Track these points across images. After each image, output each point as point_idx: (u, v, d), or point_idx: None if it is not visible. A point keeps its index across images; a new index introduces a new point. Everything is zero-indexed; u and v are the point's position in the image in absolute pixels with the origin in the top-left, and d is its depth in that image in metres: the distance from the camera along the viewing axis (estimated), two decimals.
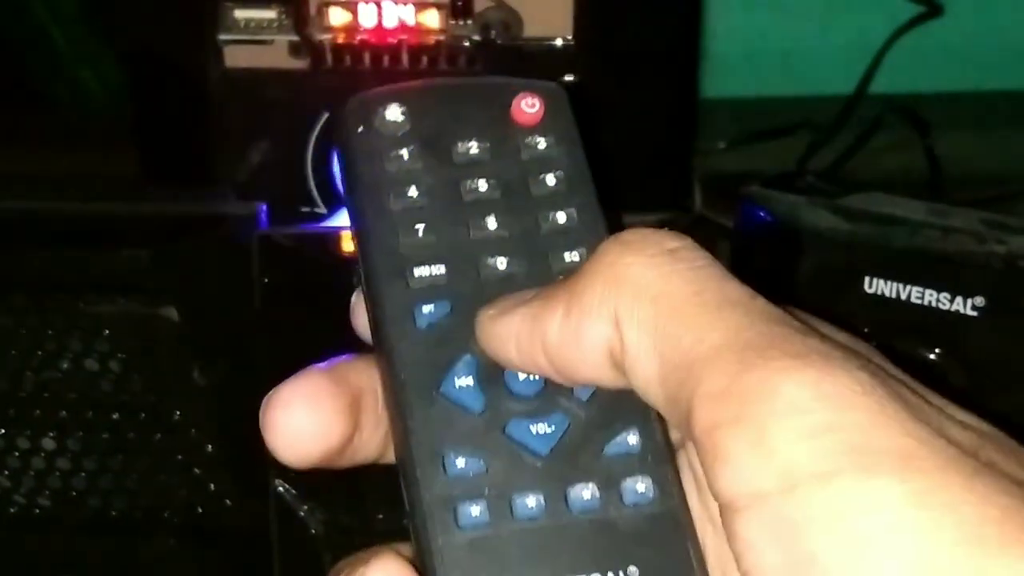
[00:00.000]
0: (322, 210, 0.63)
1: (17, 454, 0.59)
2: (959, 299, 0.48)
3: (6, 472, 0.59)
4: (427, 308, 0.29)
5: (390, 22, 0.62)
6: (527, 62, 0.63)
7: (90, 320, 0.57)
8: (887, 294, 0.50)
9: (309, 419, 0.30)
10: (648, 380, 0.26)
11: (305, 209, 0.63)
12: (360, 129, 0.31)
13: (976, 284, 0.48)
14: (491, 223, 0.31)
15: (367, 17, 0.62)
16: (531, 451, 0.28)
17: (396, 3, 0.62)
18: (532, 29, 0.63)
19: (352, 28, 0.62)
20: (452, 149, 0.31)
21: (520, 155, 0.32)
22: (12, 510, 0.60)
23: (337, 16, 0.62)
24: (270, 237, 0.55)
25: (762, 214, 0.54)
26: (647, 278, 0.27)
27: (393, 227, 0.30)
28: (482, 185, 0.31)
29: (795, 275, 0.52)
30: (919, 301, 0.49)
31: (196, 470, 0.58)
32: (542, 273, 0.30)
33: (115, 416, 0.58)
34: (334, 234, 0.57)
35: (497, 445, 0.28)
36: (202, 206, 0.59)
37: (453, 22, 0.62)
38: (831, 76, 0.87)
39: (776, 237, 0.53)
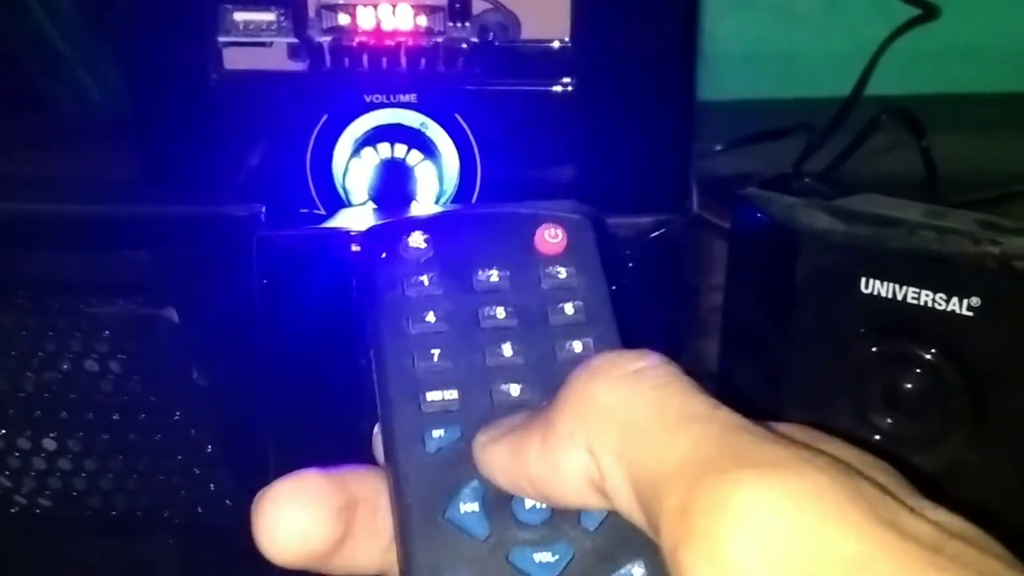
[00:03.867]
0: (321, 212, 0.63)
1: (18, 454, 0.59)
2: (955, 300, 0.48)
3: (7, 472, 0.59)
4: (437, 433, 0.30)
5: (388, 24, 0.62)
6: (525, 64, 0.63)
7: (90, 321, 0.57)
8: (883, 295, 0.50)
9: (295, 519, 0.30)
10: (628, 504, 0.27)
11: (304, 211, 0.63)
12: (383, 255, 0.32)
13: (971, 285, 0.48)
14: (507, 350, 0.31)
15: (366, 19, 0.62)
16: None
17: (394, 5, 0.62)
18: (530, 31, 0.63)
19: (351, 30, 0.62)
20: (473, 276, 0.32)
21: (541, 284, 0.32)
22: (13, 510, 0.60)
23: (336, 18, 0.62)
24: (269, 238, 0.56)
25: (759, 215, 0.54)
26: (612, 403, 0.27)
27: (409, 351, 0.31)
28: (500, 312, 0.31)
29: (792, 276, 0.52)
30: (915, 302, 0.49)
31: (196, 470, 0.59)
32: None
33: (115, 416, 0.58)
34: (333, 235, 0.57)
35: (500, 573, 0.28)
36: (201, 207, 0.59)
37: (451, 24, 0.62)
38: (827, 78, 0.87)
39: (773, 238, 0.53)
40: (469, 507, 0.29)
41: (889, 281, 0.50)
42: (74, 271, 0.57)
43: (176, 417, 0.58)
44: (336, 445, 0.55)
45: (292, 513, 0.30)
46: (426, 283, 0.32)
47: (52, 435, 0.59)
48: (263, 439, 0.56)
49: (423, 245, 0.32)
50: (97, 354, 0.57)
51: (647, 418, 0.27)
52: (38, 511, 0.60)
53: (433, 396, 0.30)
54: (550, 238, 0.33)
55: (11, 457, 0.59)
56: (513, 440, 0.29)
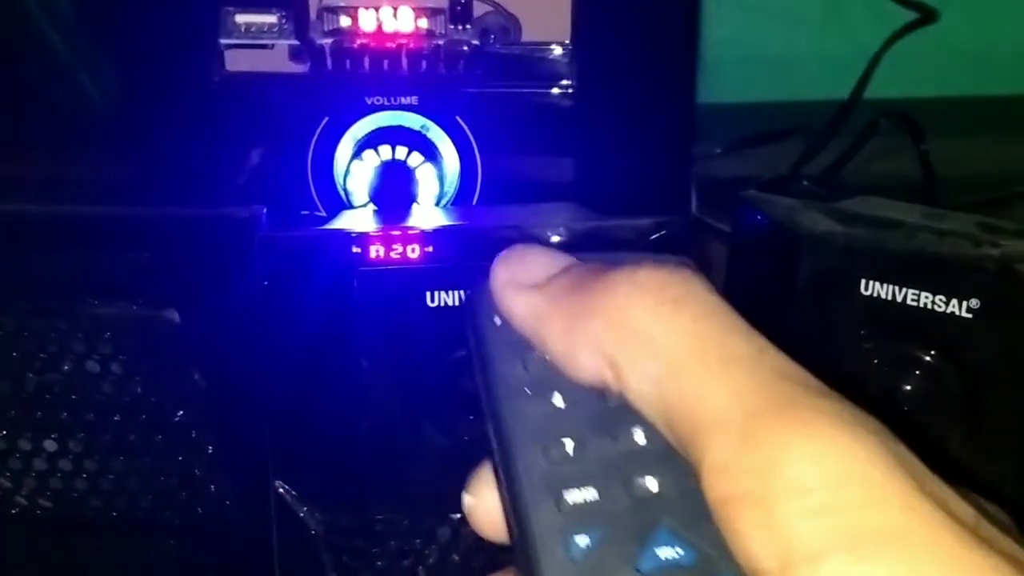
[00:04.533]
0: (322, 213, 0.63)
1: (19, 455, 0.59)
2: (954, 301, 0.49)
3: (8, 473, 0.59)
4: (581, 539, 0.27)
5: (390, 27, 0.62)
6: (525, 67, 0.63)
7: (91, 322, 0.57)
8: (883, 297, 0.50)
9: None
10: (653, 418, 0.27)
11: (305, 212, 0.63)
12: (497, 322, 0.30)
13: (971, 287, 0.48)
14: (639, 437, 0.28)
15: (367, 22, 0.62)
16: None
17: (396, 8, 0.62)
18: (530, 34, 0.63)
19: (352, 33, 0.62)
20: None
21: None
22: (14, 511, 0.60)
23: (337, 21, 0.62)
24: (271, 240, 0.56)
25: (759, 218, 0.54)
26: (648, 328, 0.27)
27: (538, 439, 0.28)
28: None
29: (792, 278, 0.53)
30: (915, 303, 0.49)
31: (196, 471, 0.59)
32: (693, 491, 0.27)
33: (116, 418, 0.58)
34: (334, 237, 0.57)
35: None
36: (203, 209, 0.59)
37: (452, 27, 0.62)
38: (826, 82, 0.87)
39: (773, 241, 0.54)
40: None
41: (889, 283, 0.50)
42: (75, 272, 0.57)
43: (177, 418, 0.58)
44: (336, 447, 0.55)
45: None
46: (543, 360, 0.29)
47: (53, 436, 0.59)
48: (264, 441, 0.56)
49: None
50: (98, 355, 0.57)
51: (686, 354, 0.26)
52: (39, 512, 0.60)
53: (572, 495, 0.27)
54: None
55: (12, 458, 0.59)
56: (537, 307, 0.29)
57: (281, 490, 0.56)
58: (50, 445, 0.59)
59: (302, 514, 0.56)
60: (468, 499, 0.31)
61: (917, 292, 0.49)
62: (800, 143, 0.83)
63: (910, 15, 0.87)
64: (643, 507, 0.27)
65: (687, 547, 0.27)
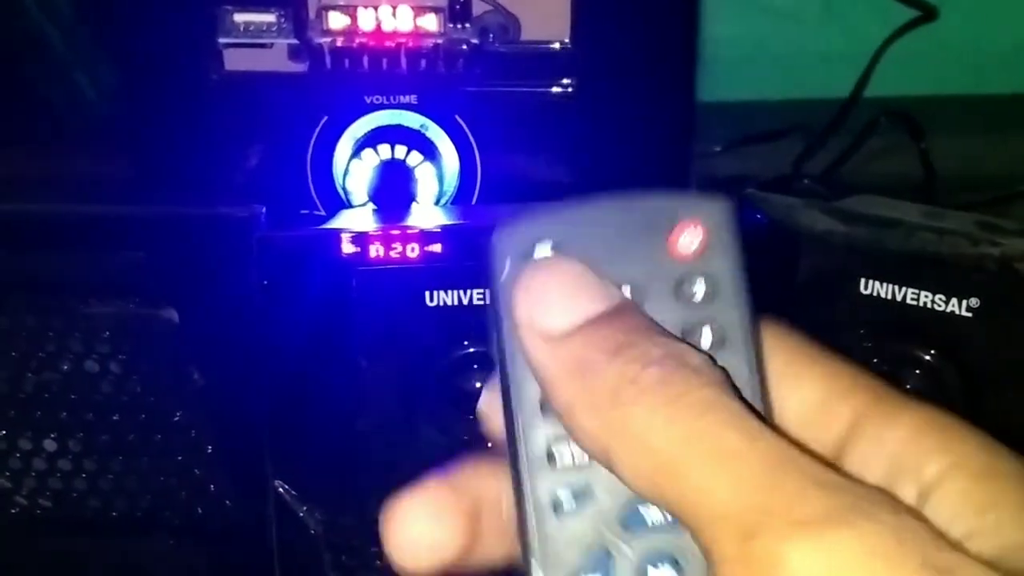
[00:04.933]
0: (321, 213, 0.63)
1: (18, 455, 0.59)
2: (954, 300, 0.49)
3: (7, 473, 0.59)
4: (567, 495, 0.27)
5: (389, 26, 0.62)
6: (525, 66, 0.63)
7: (90, 322, 0.57)
8: (883, 296, 0.50)
9: (427, 532, 0.29)
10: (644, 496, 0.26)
11: (304, 212, 0.63)
12: (506, 275, 0.28)
13: (970, 286, 0.48)
14: None
15: (366, 21, 0.62)
16: None
17: (395, 7, 0.62)
18: (530, 33, 0.63)
19: (351, 32, 0.62)
20: None
21: (675, 302, 0.29)
22: (13, 511, 0.60)
23: (336, 20, 0.62)
24: (270, 240, 0.56)
25: (758, 217, 0.54)
26: (645, 429, 0.26)
27: (538, 392, 0.28)
28: None
29: (791, 277, 0.53)
30: (914, 303, 0.49)
31: (196, 471, 0.59)
32: None
33: (115, 417, 0.58)
34: (333, 237, 0.57)
35: None
36: (202, 208, 0.59)
37: (451, 26, 0.62)
38: (826, 80, 0.87)
39: (772, 240, 0.54)
40: None
41: (888, 282, 0.50)
42: (74, 271, 0.57)
43: (176, 418, 0.58)
44: (335, 446, 0.55)
45: (420, 529, 0.29)
46: None
47: (52, 436, 0.59)
48: (263, 440, 0.56)
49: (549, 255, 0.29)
50: (97, 355, 0.57)
51: (682, 454, 0.25)
52: (38, 512, 0.60)
53: (564, 450, 0.28)
54: (687, 245, 0.29)
55: (12, 458, 0.59)
56: (548, 367, 0.27)
57: (280, 489, 0.56)
58: (49, 445, 0.59)
59: (301, 513, 0.56)
60: (483, 403, 0.31)
61: (917, 291, 0.49)
62: (800, 142, 0.83)
63: (910, 13, 0.87)
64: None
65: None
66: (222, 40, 0.63)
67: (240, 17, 0.62)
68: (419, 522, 0.29)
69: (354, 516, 0.56)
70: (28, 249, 0.58)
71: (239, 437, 0.58)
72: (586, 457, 0.27)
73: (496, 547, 0.30)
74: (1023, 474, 0.27)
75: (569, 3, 0.62)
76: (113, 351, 0.57)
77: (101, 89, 0.74)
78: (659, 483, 0.25)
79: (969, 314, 0.48)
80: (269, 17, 0.62)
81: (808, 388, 0.30)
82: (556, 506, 0.27)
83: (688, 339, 0.28)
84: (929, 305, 0.49)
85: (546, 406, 0.28)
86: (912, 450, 0.28)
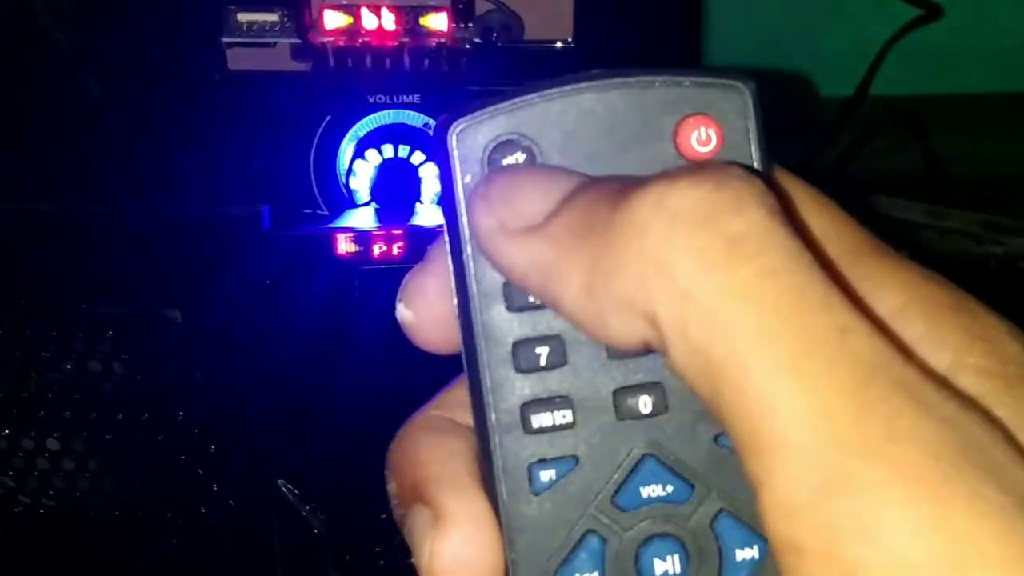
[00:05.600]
0: (324, 212, 0.63)
1: (21, 454, 0.59)
2: None
3: (11, 472, 0.59)
4: (546, 472, 0.23)
5: (391, 25, 0.62)
6: (528, 65, 0.63)
7: (93, 321, 0.57)
8: None
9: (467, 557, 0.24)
10: (703, 399, 0.21)
11: (307, 211, 0.63)
12: (467, 176, 0.23)
13: (974, 285, 0.48)
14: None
15: (369, 20, 0.62)
16: None
17: (398, 6, 0.62)
18: (533, 32, 0.63)
19: (354, 31, 0.62)
20: None
21: None
22: (17, 510, 0.60)
23: (339, 19, 0.62)
24: (273, 239, 0.56)
25: None
26: (700, 287, 0.20)
27: (508, 340, 0.24)
28: None
29: None
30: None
31: (199, 470, 0.59)
32: (691, 406, 0.23)
33: (118, 417, 0.58)
34: (336, 236, 0.57)
35: None
36: (205, 208, 0.59)
37: (454, 25, 0.62)
38: (830, 79, 0.87)
39: None
40: (585, 575, 0.23)
41: None
42: (76, 271, 0.57)
43: (179, 417, 0.58)
44: (339, 445, 0.55)
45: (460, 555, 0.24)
46: None
47: (55, 435, 0.59)
48: (266, 439, 0.56)
49: (521, 161, 0.23)
50: (100, 354, 0.57)
51: (750, 329, 0.20)
52: (42, 511, 0.60)
53: (541, 417, 0.23)
54: (699, 145, 0.23)
55: (15, 457, 0.59)
56: (541, 255, 0.22)
57: (283, 489, 0.56)
58: (52, 444, 0.59)
59: (304, 513, 0.56)
60: (404, 311, 0.26)
61: None
62: (804, 140, 0.83)
63: (915, 12, 0.86)
64: (627, 431, 0.23)
65: (677, 480, 0.23)
66: (226, 39, 0.63)
67: (244, 17, 0.63)
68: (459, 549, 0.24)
69: (356, 515, 0.56)
70: (30, 249, 0.58)
71: (242, 436, 0.58)
72: (569, 416, 0.23)
73: None
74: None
75: (572, 2, 0.62)
76: (116, 350, 0.57)
77: (105, 88, 0.74)
78: (718, 371, 0.20)
79: None
80: (272, 17, 0.62)
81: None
82: (533, 481, 0.23)
83: None
84: None
85: (520, 353, 0.23)
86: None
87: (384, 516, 0.56)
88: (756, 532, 0.23)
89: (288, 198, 0.62)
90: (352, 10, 0.62)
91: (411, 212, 0.61)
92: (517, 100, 0.24)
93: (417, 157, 0.63)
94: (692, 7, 0.65)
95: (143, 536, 0.60)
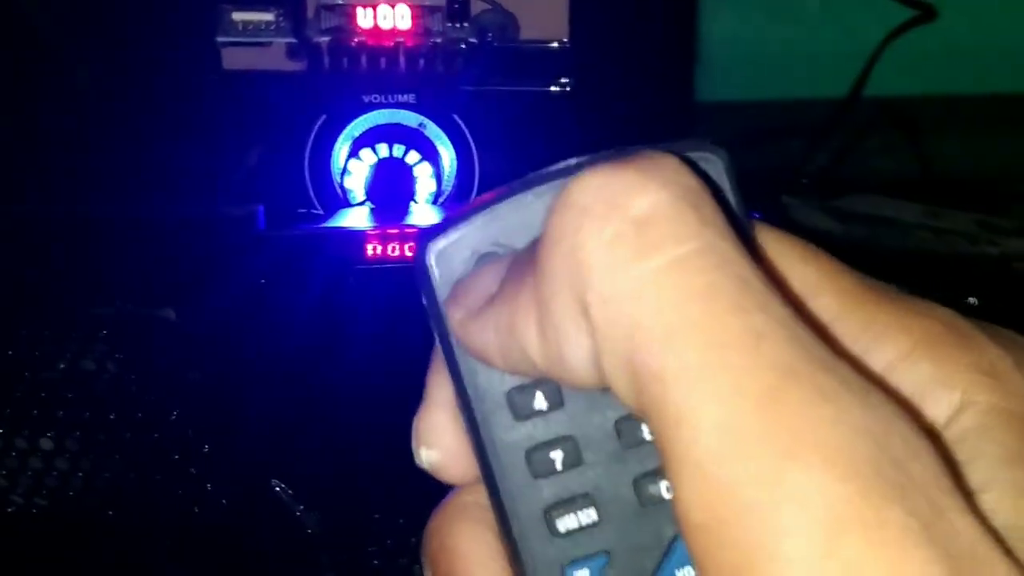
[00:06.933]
0: (319, 212, 0.63)
1: (14, 454, 0.59)
2: (952, 300, 0.48)
3: (3, 472, 0.59)
4: (581, 572, 0.23)
5: (387, 24, 0.62)
6: (523, 65, 0.63)
7: (87, 320, 0.57)
8: None
9: None
10: (630, 409, 0.20)
11: (303, 211, 0.63)
12: (447, 295, 0.24)
13: (969, 285, 0.48)
14: (645, 430, 0.23)
15: (364, 20, 0.62)
16: None
17: (393, 6, 0.62)
18: (528, 32, 0.63)
19: (349, 31, 0.62)
20: None
21: None
22: (9, 510, 0.60)
23: (334, 19, 0.62)
24: (268, 239, 0.56)
25: (756, 216, 0.54)
26: (614, 283, 0.19)
27: (520, 451, 0.23)
28: None
29: None
30: None
31: (192, 470, 0.59)
32: None
33: (112, 416, 0.58)
34: (331, 236, 0.57)
35: None
36: (200, 207, 0.59)
37: (450, 25, 0.62)
38: (825, 79, 0.87)
39: None
40: None
41: (886, 281, 0.50)
42: (71, 270, 0.57)
43: (173, 417, 0.58)
44: (333, 445, 0.55)
45: None
46: None
47: (49, 435, 0.58)
48: (260, 440, 0.56)
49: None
50: (94, 354, 0.57)
51: (659, 326, 0.19)
52: (34, 511, 0.60)
53: (567, 521, 0.23)
54: None
55: (8, 456, 0.59)
56: (504, 319, 0.22)
57: (277, 489, 0.56)
58: (46, 444, 0.59)
59: (298, 513, 0.56)
60: (427, 454, 0.25)
61: (915, 291, 0.49)
62: (799, 141, 0.83)
63: (909, 12, 0.87)
64: (654, 517, 0.23)
65: None
66: (220, 39, 0.63)
67: (239, 16, 0.62)
68: None
69: (351, 515, 0.56)
70: (26, 249, 0.58)
71: (236, 436, 0.58)
72: (593, 514, 0.23)
73: None
74: None
75: (567, 2, 0.62)
76: (110, 350, 0.57)
77: (99, 88, 0.74)
78: (632, 362, 0.19)
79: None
80: (267, 16, 0.62)
81: None
82: (549, 524, 0.23)
83: None
84: None
85: (534, 460, 0.23)
86: (904, 381, 0.22)
87: (378, 516, 0.56)
88: None
89: (283, 198, 0.62)
90: (347, 10, 0.62)
91: (406, 212, 0.61)
92: (487, 210, 0.24)
93: (412, 157, 0.63)
94: (687, 7, 0.65)
95: (137, 536, 0.60)
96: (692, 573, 0.23)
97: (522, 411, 0.23)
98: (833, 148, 0.82)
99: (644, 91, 0.63)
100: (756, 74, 0.94)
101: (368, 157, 0.63)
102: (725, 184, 0.24)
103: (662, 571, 0.23)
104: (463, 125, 0.62)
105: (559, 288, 0.20)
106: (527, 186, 0.23)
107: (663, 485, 0.23)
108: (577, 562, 0.23)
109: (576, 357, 0.21)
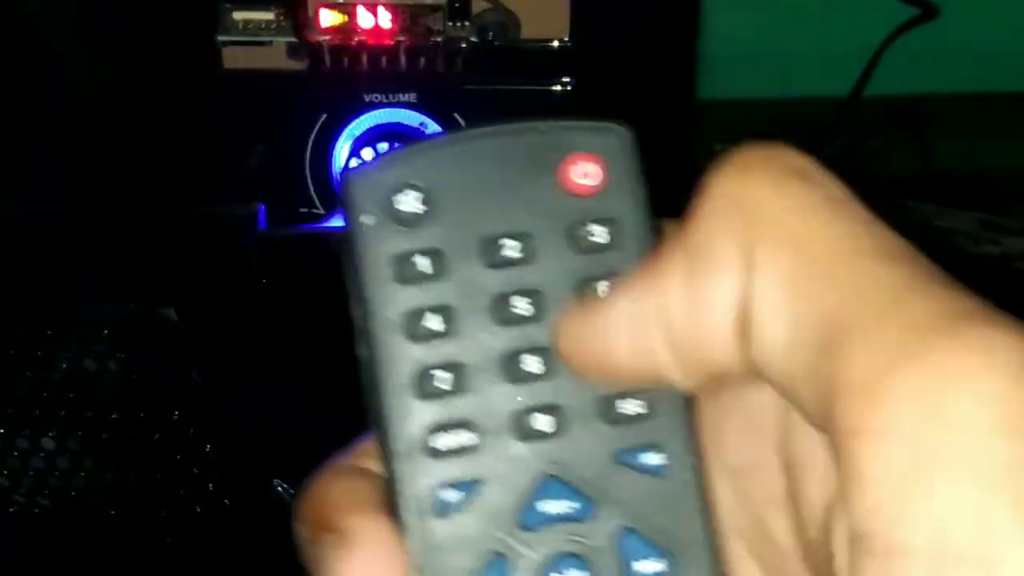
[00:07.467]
0: (320, 211, 0.63)
1: (16, 454, 0.59)
2: None
3: (5, 472, 0.59)
4: (449, 493, 0.24)
5: (387, 24, 0.62)
6: (524, 64, 0.63)
7: (89, 320, 0.57)
8: None
9: None
10: (774, 351, 0.20)
11: (303, 210, 0.63)
12: (366, 221, 0.24)
13: (971, 285, 0.48)
14: (532, 364, 0.24)
15: (364, 19, 0.62)
16: None
17: (394, 5, 0.62)
18: (529, 31, 0.63)
19: (350, 30, 0.62)
20: (483, 248, 0.24)
21: (570, 249, 0.24)
22: (12, 509, 0.60)
23: (335, 18, 0.62)
24: (269, 237, 0.56)
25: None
26: (781, 213, 0.20)
27: (410, 368, 0.24)
28: (520, 305, 0.24)
29: None
30: None
31: (194, 470, 0.59)
32: (594, 426, 0.24)
33: (114, 416, 0.58)
34: (332, 235, 0.57)
35: None
36: (201, 206, 0.59)
37: (451, 24, 0.62)
38: (827, 78, 0.87)
39: None
40: None
41: None
42: (72, 270, 0.57)
43: (174, 416, 0.58)
44: (336, 445, 0.55)
45: None
46: (419, 266, 0.24)
47: (51, 434, 0.59)
48: (262, 439, 0.56)
49: (417, 208, 0.24)
50: (95, 353, 0.57)
51: (829, 241, 0.20)
52: (37, 511, 0.60)
53: (442, 439, 0.24)
54: (581, 179, 0.25)
55: (10, 457, 0.59)
56: (638, 289, 0.22)
57: (279, 488, 0.56)
58: (48, 444, 0.59)
59: None
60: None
61: None
62: (801, 140, 0.83)
63: (911, 11, 0.86)
64: (529, 453, 0.24)
65: (579, 498, 0.24)
66: (221, 38, 0.62)
67: (239, 15, 0.62)
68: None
69: None
70: (27, 248, 0.58)
71: (237, 436, 0.58)
72: (471, 439, 0.24)
73: None
74: None
75: (568, 1, 0.62)
76: (112, 349, 0.57)
77: (101, 87, 0.74)
78: (797, 283, 0.20)
79: None
80: (268, 15, 0.62)
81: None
82: (438, 504, 0.23)
83: (584, 292, 0.24)
84: None
85: (422, 381, 0.24)
86: None
87: None
88: (659, 546, 0.24)
89: (284, 197, 0.62)
90: (348, 8, 0.62)
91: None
92: (412, 150, 0.25)
93: None
94: (689, 6, 0.65)
95: (138, 535, 0.60)
96: (560, 509, 0.23)
97: (418, 333, 0.24)
98: (835, 147, 0.81)
99: (645, 90, 0.63)
100: (758, 73, 0.94)
101: (369, 156, 0.63)
102: (632, 155, 0.26)
103: (531, 506, 0.24)
104: (464, 125, 0.62)
105: (719, 229, 0.21)
106: (465, 135, 0.25)
107: (543, 420, 0.24)
108: (449, 486, 0.24)
109: (720, 295, 0.21)
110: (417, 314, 0.24)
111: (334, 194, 0.63)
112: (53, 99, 0.76)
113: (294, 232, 0.58)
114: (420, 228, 0.24)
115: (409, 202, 0.24)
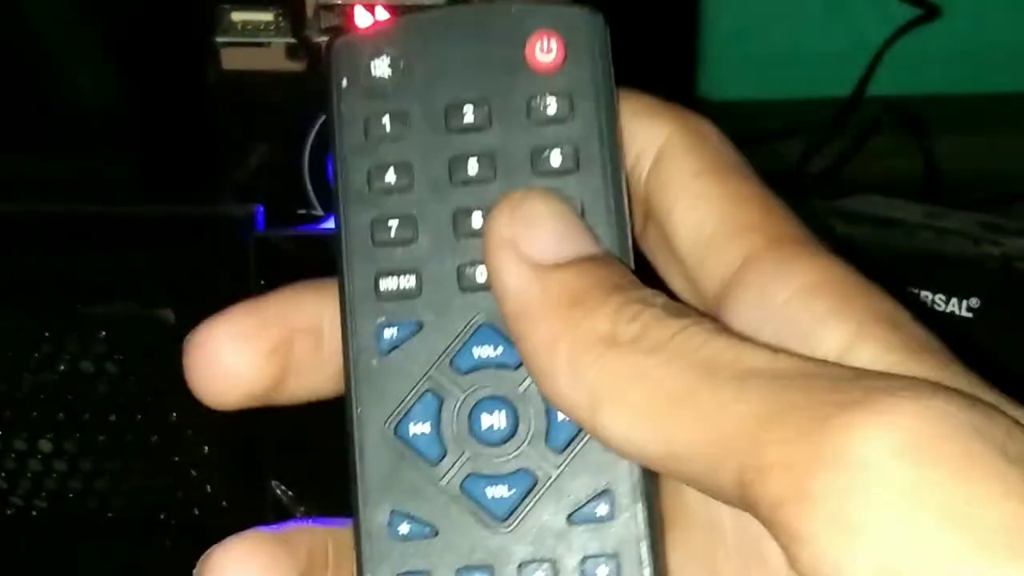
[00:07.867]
0: (319, 212, 0.63)
1: (14, 456, 0.59)
2: (954, 301, 0.48)
3: (3, 474, 0.59)
4: (390, 331, 0.26)
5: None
6: None
7: (86, 322, 0.57)
8: None
9: (224, 363, 0.28)
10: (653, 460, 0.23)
11: (302, 211, 0.63)
12: (344, 83, 0.27)
13: (972, 286, 0.48)
14: (479, 220, 0.26)
15: (363, 19, 0.62)
16: (489, 513, 0.25)
17: (392, 5, 0.62)
18: None
19: (349, 30, 0.62)
20: (445, 113, 0.26)
21: (527, 118, 0.26)
22: (9, 512, 0.60)
23: (334, 19, 0.62)
24: (267, 239, 0.55)
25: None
26: (608, 377, 0.23)
27: (369, 218, 0.27)
28: (473, 167, 0.26)
29: None
30: (915, 302, 0.49)
31: (193, 472, 0.58)
32: None
33: (112, 418, 0.58)
34: (331, 236, 0.57)
35: (452, 502, 0.26)
36: (199, 208, 0.59)
37: None
38: (828, 79, 0.87)
39: None
40: (420, 428, 0.26)
41: (887, 282, 0.50)
42: (71, 271, 0.57)
43: (173, 418, 0.58)
44: (334, 446, 0.55)
45: (224, 360, 0.28)
46: (388, 128, 0.26)
47: (48, 436, 0.58)
48: (260, 440, 0.56)
49: (388, 72, 0.26)
50: (93, 355, 0.57)
51: (698, 382, 0.22)
52: (34, 513, 0.60)
53: (389, 282, 0.26)
54: (542, 52, 0.26)
55: (7, 459, 0.59)
56: (528, 294, 0.24)
57: (278, 491, 0.56)
58: (45, 445, 0.59)
59: (298, 514, 0.56)
60: None
61: (917, 291, 0.49)
62: (802, 140, 0.83)
63: (913, 11, 0.86)
64: (469, 301, 0.26)
65: (509, 346, 0.25)
66: (219, 39, 0.62)
67: (238, 16, 0.62)
68: (223, 353, 0.27)
69: (351, 517, 0.56)
70: (25, 249, 0.57)
71: (236, 437, 0.58)
72: (413, 282, 0.26)
73: (313, 381, 0.28)
74: (936, 347, 0.23)
75: (567, 2, 0.62)
76: (109, 351, 0.57)
77: (98, 88, 0.74)
78: (659, 416, 0.22)
79: (969, 314, 0.48)
80: (267, 16, 0.62)
81: (704, 212, 0.26)
82: (379, 340, 0.26)
83: (536, 162, 0.26)
84: (929, 305, 0.49)
85: (378, 236, 0.26)
86: (801, 312, 0.24)
87: None
88: None
89: (283, 198, 0.62)
90: (347, 9, 0.62)
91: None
92: (394, 22, 0.28)
93: None
94: (689, 5, 0.65)
95: (136, 538, 0.60)
96: (491, 353, 0.26)
97: (378, 187, 0.27)
98: (836, 148, 0.81)
99: (645, 90, 0.63)
100: (759, 73, 0.94)
101: None
102: (596, 36, 0.28)
103: (465, 350, 0.26)
104: None
105: (566, 378, 0.24)
106: (444, 11, 0.28)
107: (483, 271, 0.26)
108: (390, 324, 0.26)
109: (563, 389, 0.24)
110: (381, 169, 0.26)
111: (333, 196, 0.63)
112: (52, 99, 0.76)
113: (292, 233, 0.57)
114: (392, 92, 0.27)
115: (383, 68, 0.27)
